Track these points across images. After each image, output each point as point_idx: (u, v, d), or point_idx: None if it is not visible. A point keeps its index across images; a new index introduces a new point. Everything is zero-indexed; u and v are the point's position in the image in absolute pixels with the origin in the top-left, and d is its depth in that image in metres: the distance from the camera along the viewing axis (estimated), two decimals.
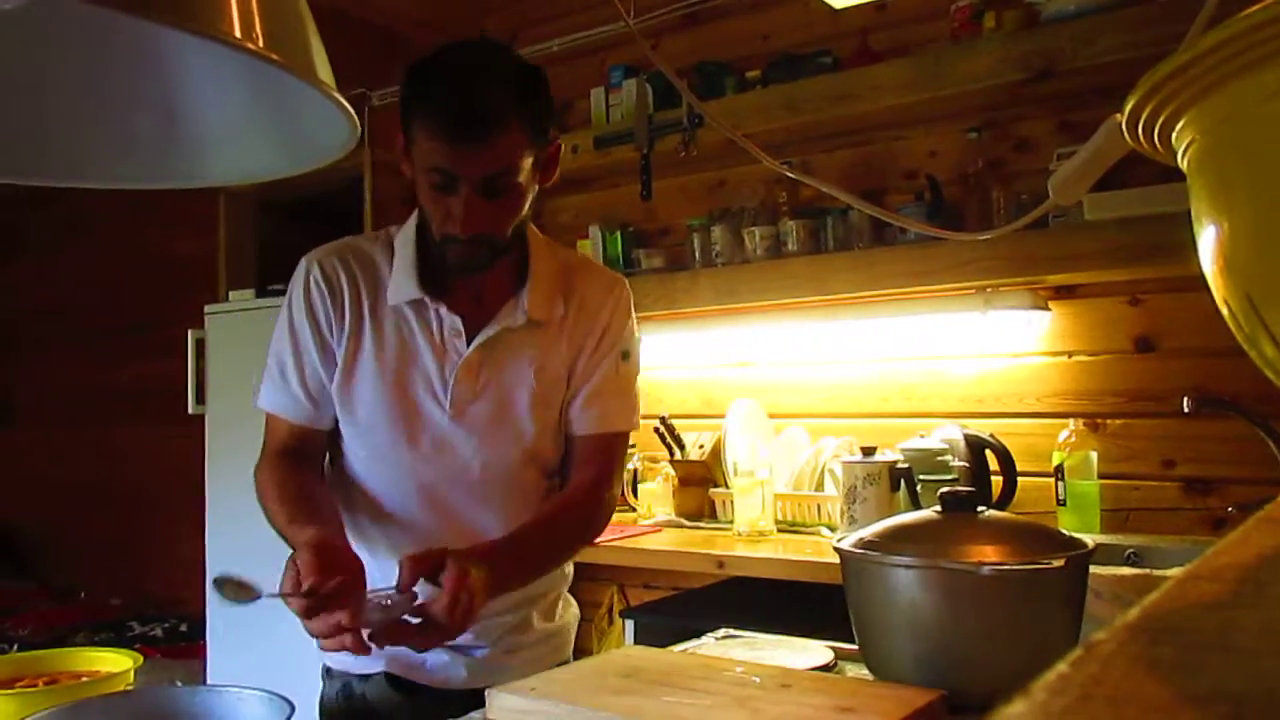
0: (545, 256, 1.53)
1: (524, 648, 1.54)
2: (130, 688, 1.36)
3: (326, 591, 1.17)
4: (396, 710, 1.48)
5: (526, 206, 1.43)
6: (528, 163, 1.37)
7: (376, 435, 1.47)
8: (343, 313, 1.47)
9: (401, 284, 1.46)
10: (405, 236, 1.50)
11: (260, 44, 0.58)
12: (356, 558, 1.27)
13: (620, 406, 1.55)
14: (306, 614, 1.18)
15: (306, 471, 1.48)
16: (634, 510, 3.06)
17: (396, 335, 1.47)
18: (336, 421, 1.50)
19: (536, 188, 1.44)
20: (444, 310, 1.46)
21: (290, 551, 1.26)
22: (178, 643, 4.25)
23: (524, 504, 1.49)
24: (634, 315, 1.60)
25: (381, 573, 1.44)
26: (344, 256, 1.50)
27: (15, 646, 3.86)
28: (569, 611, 1.65)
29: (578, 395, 1.53)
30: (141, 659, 1.45)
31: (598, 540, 2.31)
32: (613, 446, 1.56)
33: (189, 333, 3.92)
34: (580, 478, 1.52)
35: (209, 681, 3.49)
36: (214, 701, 1.20)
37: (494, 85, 1.33)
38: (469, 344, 1.46)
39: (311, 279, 1.48)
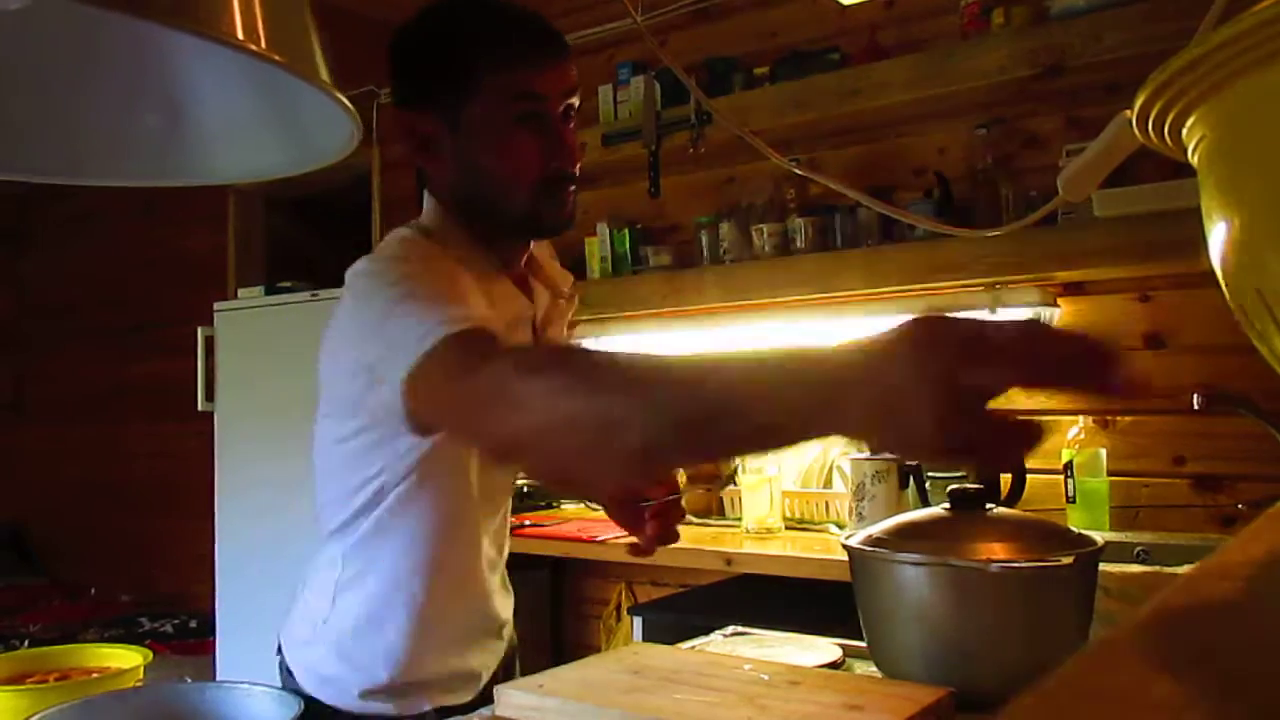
0: None
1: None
2: (140, 684, 1.37)
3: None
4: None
5: None
6: None
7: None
8: None
9: (510, 294, 1.30)
10: (458, 239, 1.26)
11: (262, 44, 0.58)
12: None
13: None
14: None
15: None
16: None
17: None
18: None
19: None
20: (529, 309, 1.32)
21: None
22: (188, 639, 4.27)
23: None
24: None
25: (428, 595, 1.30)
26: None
27: (26, 643, 3.88)
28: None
29: None
30: (151, 655, 1.45)
31: (605, 539, 2.30)
32: None
33: (198, 330, 3.93)
34: None
35: (219, 678, 3.50)
36: (223, 698, 1.20)
37: (534, 13, 1.25)
38: (532, 333, 1.33)
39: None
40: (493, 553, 1.39)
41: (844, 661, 1.34)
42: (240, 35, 0.57)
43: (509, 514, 1.46)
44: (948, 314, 0.67)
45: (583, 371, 0.83)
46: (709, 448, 0.81)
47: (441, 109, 1.22)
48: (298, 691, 1.28)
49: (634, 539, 1.33)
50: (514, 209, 1.24)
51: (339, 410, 1.24)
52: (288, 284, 3.71)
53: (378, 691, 1.28)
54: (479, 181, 1.24)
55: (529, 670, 1.27)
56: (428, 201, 1.31)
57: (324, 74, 0.66)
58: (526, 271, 1.35)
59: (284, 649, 1.37)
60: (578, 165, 1.25)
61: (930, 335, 0.67)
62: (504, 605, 1.44)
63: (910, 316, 0.68)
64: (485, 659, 1.40)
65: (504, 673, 1.43)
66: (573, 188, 1.26)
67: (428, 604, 1.29)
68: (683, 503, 1.35)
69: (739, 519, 2.75)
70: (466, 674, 1.36)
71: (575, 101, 1.26)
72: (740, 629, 1.52)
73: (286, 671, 1.34)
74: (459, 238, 1.26)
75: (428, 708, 1.31)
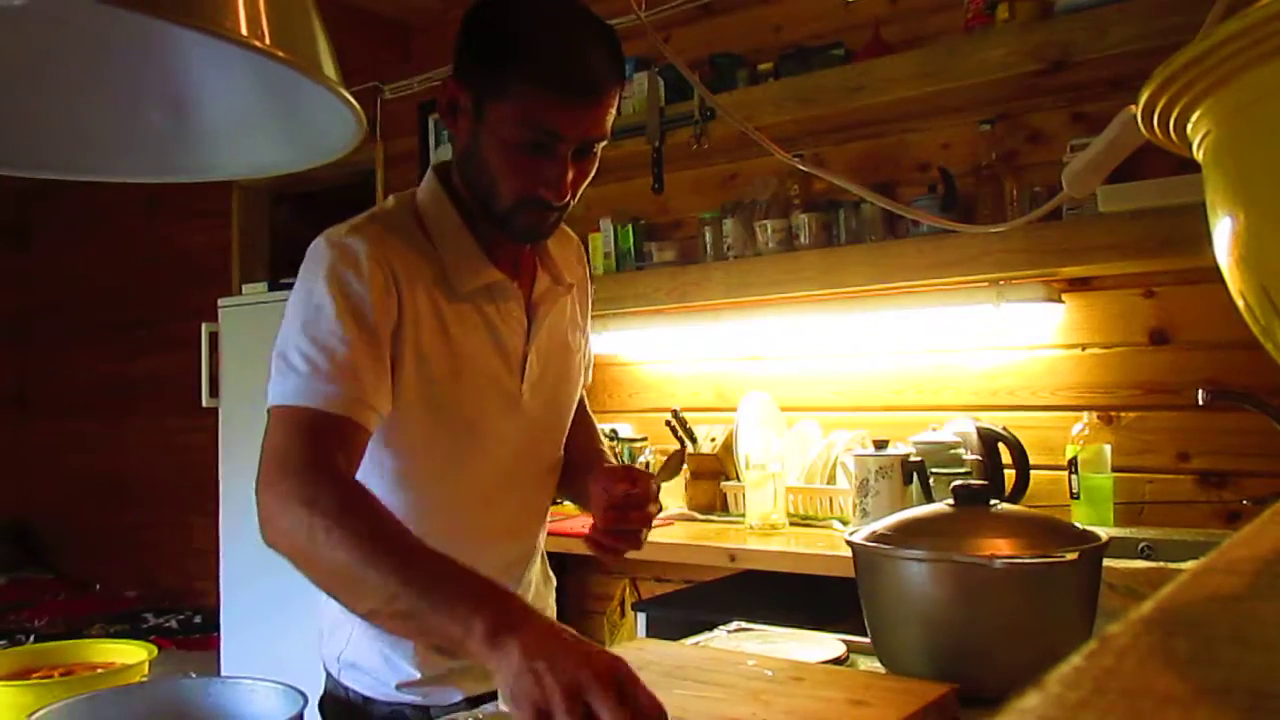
0: None
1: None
2: (145, 679, 1.37)
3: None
4: (393, 712, 1.41)
5: None
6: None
7: (440, 438, 1.32)
8: (413, 306, 1.27)
9: (474, 267, 1.31)
10: (439, 210, 1.33)
11: (266, 41, 0.58)
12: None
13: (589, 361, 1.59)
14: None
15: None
16: None
17: (465, 322, 1.31)
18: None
19: None
20: (513, 286, 1.35)
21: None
22: (192, 634, 4.29)
23: (552, 484, 1.52)
24: None
25: None
26: (389, 246, 1.27)
27: (31, 638, 3.90)
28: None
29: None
30: (156, 650, 1.46)
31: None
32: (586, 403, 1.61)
33: (202, 326, 3.94)
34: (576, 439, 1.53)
35: (223, 673, 3.51)
36: (228, 693, 1.21)
37: (599, 34, 1.23)
38: (528, 317, 1.37)
39: (373, 263, 1.25)
40: (513, 545, 1.48)
41: (848, 657, 1.34)
42: (245, 32, 0.57)
43: (537, 507, 1.52)
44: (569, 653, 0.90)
45: (338, 528, 1.04)
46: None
47: (475, 91, 1.24)
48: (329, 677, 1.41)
49: (592, 535, 1.38)
50: (493, 206, 1.29)
51: None
52: (291, 280, 3.70)
53: (410, 684, 1.35)
54: (477, 166, 1.28)
55: None
56: (428, 174, 1.37)
57: (329, 70, 0.66)
58: (533, 252, 1.41)
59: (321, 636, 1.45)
60: (568, 197, 1.27)
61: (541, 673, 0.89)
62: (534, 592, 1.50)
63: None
64: None
65: None
66: (554, 216, 1.29)
67: None
68: (650, 507, 1.34)
69: (743, 515, 2.75)
70: None
71: (600, 137, 1.25)
72: (744, 625, 1.52)
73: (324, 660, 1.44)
74: (447, 219, 1.32)
75: (459, 698, 1.36)
